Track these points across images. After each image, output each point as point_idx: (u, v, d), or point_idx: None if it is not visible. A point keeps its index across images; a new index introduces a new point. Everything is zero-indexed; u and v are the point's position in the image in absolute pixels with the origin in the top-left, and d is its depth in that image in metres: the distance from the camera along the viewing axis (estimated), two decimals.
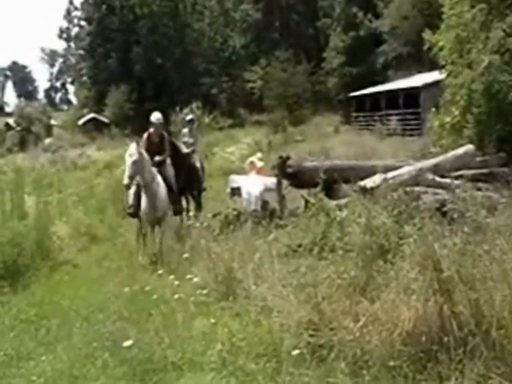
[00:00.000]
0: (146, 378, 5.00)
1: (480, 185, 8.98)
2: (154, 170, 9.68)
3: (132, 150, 9.03)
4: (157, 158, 10.06)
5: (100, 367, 5.33)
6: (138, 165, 8.97)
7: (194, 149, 13.40)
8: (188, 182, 12.11)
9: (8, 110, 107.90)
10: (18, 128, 58.64)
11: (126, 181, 8.99)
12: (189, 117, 14.95)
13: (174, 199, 10.23)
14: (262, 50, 60.51)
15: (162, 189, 9.61)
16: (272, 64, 52.52)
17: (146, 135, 10.49)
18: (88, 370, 5.32)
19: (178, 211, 10.74)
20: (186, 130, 13.86)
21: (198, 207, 12.52)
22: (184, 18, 62.14)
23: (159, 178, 9.69)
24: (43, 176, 24.81)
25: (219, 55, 62.57)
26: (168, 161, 10.65)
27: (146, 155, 9.38)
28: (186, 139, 13.48)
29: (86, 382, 5.10)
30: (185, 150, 12.86)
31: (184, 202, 12.40)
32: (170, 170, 10.52)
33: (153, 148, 10.17)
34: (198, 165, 13.17)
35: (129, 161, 8.96)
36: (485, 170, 10.05)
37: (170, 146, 10.69)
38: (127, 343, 5.40)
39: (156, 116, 10.65)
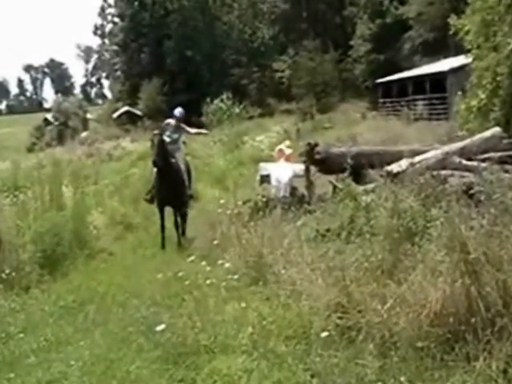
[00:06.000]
0: (180, 360, 5.05)
1: (507, 167, 8.75)
2: None
3: None
4: None
5: (135, 351, 5.43)
6: None
7: (176, 145, 11.14)
8: (171, 191, 10.45)
9: (46, 105, 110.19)
10: (56, 123, 59.55)
11: None
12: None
13: None
14: (290, 39, 60.43)
15: None
16: (300, 53, 52.56)
17: None
18: (124, 353, 5.42)
19: None
20: (168, 121, 11.43)
21: (182, 219, 10.82)
22: (213, 12, 62.36)
23: None
24: (80, 168, 24.96)
25: (248, 46, 62.47)
26: None
27: None
28: (168, 133, 11.06)
29: (121, 365, 5.17)
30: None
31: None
32: None
33: None
34: (182, 167, 11.04)
35: None
36: None
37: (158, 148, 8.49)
38: (161, 327, 5.49)
39: None
